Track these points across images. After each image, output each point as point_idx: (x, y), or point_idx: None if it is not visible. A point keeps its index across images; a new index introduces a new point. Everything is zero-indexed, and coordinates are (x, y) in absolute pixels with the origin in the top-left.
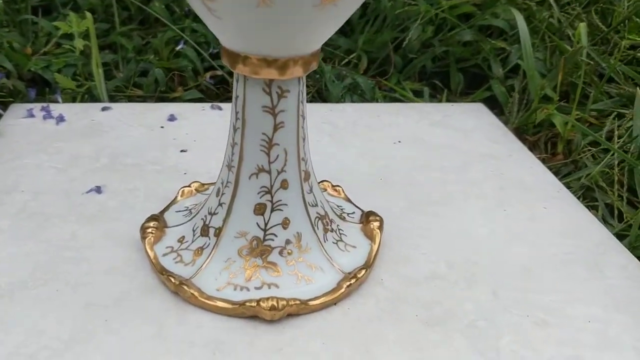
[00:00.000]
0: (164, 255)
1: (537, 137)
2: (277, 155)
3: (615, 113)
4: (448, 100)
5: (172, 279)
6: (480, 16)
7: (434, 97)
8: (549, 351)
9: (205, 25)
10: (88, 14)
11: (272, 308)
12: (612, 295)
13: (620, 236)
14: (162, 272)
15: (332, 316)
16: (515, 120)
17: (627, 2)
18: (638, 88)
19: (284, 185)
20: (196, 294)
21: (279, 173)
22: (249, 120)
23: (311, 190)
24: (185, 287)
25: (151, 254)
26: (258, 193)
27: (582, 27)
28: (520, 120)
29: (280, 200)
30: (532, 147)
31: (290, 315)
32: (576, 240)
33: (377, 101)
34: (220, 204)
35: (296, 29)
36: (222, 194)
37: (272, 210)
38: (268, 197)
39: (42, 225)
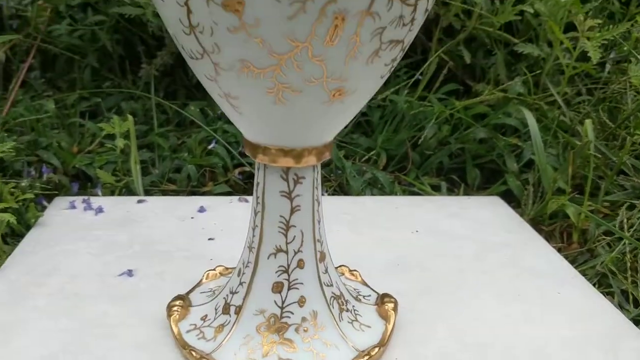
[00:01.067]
0: (188, 332)
1: (552, 227)
2: (294, 237)
3: (627, 204)
4: (465, 195)
5: (194, 353)
6: (494, 115)
7: (452, 192)
8: None
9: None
10: (129, 117)
11: None
12: None
13: (636, 321)
14: (184, 347)
15: None
16: (531, 211)
17: (631, 101)
18: None
19: (300, 264)
20: None
21: (295, 253)
22: (268, 204)
23: (326, 271)
24: None
25: (175, 330)
26: (276, 272)
27: (588, 123)
28: (535, 212)
29: (297, 279)
30: (548, 237)
31: None
32: (590, 324)
33: (396, 194)
34: (240, 283)
35: (309, 122)
36: (243, 273)
37: (289, 288)
38: (285, 276)
39: (77, 304)
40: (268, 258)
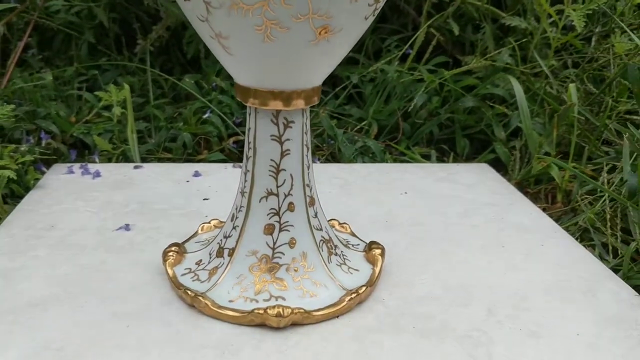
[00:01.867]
0: (183, 275)
1: (537, 189)
2: (284, 180)
3: (610, 165)
4: (455, 163)
5: (189, 292)
6: (482, 86)
7: (442, 161)
8: (541, 358)
9: (224, 67)
10: (125, 85)
11: (278, 315)
12: (604, 314)
13: (615, 270)
14: (179, 287)
15: (334, 327)
16: (518, 176)
17: (613, 68)
18: (625, 137)
19: (291, 207)
20: (209, 304)
21: (286, 196)
22: (259, 149)
23: (316, 215)
24: (200, 298)
25: (170, 273)
26: (267, 214)
27: (572, 87)
28: (522, 175)
29: (288, 222)
30: (534, 199)
31: (295, 325)
32: (571, 270)
33: (387, 162)
34: (234, 227)
35: (297, 62)
36: (236, 217)
37: (280, 230)
38: (276, 218)
39: (76, 253)
40: (260, 201)
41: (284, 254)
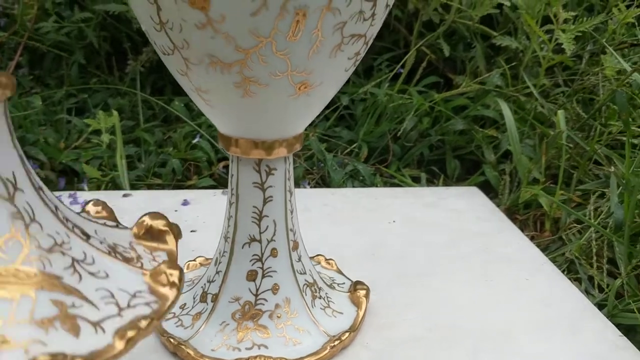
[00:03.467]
0: (167, 320)
1: (526, 216)
2: (267, 226)
3: (598, 193)
4: (445, 185)
5: (172, 340)
6: (473, 107)
7: (432, 183)
8: None
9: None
10: (114, 112)
11: None
12: (587, 356)
13: (601, 306)
14: (162, 334)
15: None
16: (507, 201)
17: (603, 92)
18: (612, 167)
19: (274, 253)
20: (192, 353)
21: (268, 242)
22: (242, 195)
23: (300, 259)
24: (182, 347)
25: None
26: (250, 261)
27: (560, 114)
28: (510, 201)
29: (270, 267)
30: (523, 226)
31: None
32: (556, 308)
33: (376, 186)
34: (217, 272)
35: (277, 115)
36: (219, 262)
37: (263, 276)
38: (259, 264)
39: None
40: (242, 247)
41: (267, 301)
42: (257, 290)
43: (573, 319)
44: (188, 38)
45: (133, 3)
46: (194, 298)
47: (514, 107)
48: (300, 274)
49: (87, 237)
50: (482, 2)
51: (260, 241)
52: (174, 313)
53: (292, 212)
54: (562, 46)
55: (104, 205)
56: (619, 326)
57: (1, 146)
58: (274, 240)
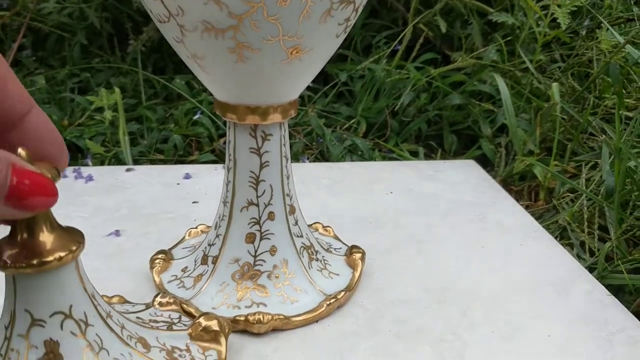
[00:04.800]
0: (169, 282)
1: (521, 187)
2: (264, 190)
3: (592, 163)
4: (442, 159)
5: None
6: (470, 82)
7: (430, 157)
8: None
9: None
10: (116, 89)
11: (258, 321)
12: (576, 315)
13: (591, 269)
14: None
15: (313, 332)
16: (502, 173)
17: (597, 65)
18: (604, 136)
19: (271, 217)
20: (193, 311)
21: (266, 206)
22: (239, 161)
23: (296, 223)
24: (184, 306)
25: (157, 280)
26: (248, 224)
27: (555, 86)
28: (506, 173)
29: (268, 230)
30: (518, 197)
31: (275, 330)
32: (547, 270)
33: (375, 160)
34: (217, 235)
35: (270, 80)
36: (219, 226)
37: (261, 239)
38: (257, 227)
39: None
40: (241, 211)
41: (265, 262)
42: (255, 251)
43: (564, 281)
44: (182, 5)
45: None
46: (195, 261)
47: (510, 82)
48: (297, 236)
49: (147, 349)
50: None
51: (257, 205)
52: (176, 275)
53: (288, 178)
54: (558, 21)
55: (173, 298)
56: (608, 287)
57: (75, 295)
58: (271, 204)
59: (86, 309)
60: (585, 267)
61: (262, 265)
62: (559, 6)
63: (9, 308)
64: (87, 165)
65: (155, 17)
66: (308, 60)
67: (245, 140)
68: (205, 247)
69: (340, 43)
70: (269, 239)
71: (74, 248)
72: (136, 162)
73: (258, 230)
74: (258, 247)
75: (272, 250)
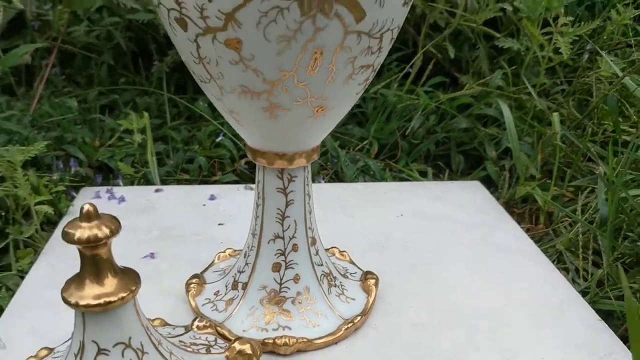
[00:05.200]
0: (203, 304)
1: (523, 209)
2: (289, 225)
3: (589, 189)
4: (450, 179)
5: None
6: (476, 106)
7: (438, 177)
8: None
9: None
10: (145, 114)
11: (285, 344)
12: (569, 339)
13: (585, 293)
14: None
15: (332, 353)
16: (506, 195)
17: (597, 93)
18: (600, 167)
19: (295, 248)
20: (226, 333)
21: (290, 239)
22: (267, 199)
23: (317, 253)
24: (219, 329)
25: (193, 304)
26: (275, 254)
27: (555, 116)
28: (509, 196)
29: (292, 260)
30: (519, 219)
31: (299, 351)
32: (544, 294)
33: (386, 181)
34: (246, 264)
35: (298, 132)
36: (248, 255)
37: (286, 268)
38: (282, 257)
39: None
40: (268, 243)
41: (289, 289)
42: (281, 279)
43: (558, 305)
44: (223, 71)
45: (175, 39)
46: (226, 286)
47: (515, 105)
48: (318, 265)
49: None
50: (485, 9)
51: (283, 238)
52: (209, 299)
53: (310, 213)
54: (560, 51)
55: (209, 322)
56: (598, 311)
57: (133, 328)
58: (295, 237)
59: (142, 339)
60: (579, 291)
61: (286, 292)
62: (561, 34)
63: (78, 338)
64: (118, 185)
65: (198, 78)
66: (331, 115)
67: (273, 181)
68: (235, 274)
69: (359, 97)
70: (293, 268)
71: (133, 288)
72: (163, 181)
73: (283, 260)
74: (283, 275)
75: (296, 278)
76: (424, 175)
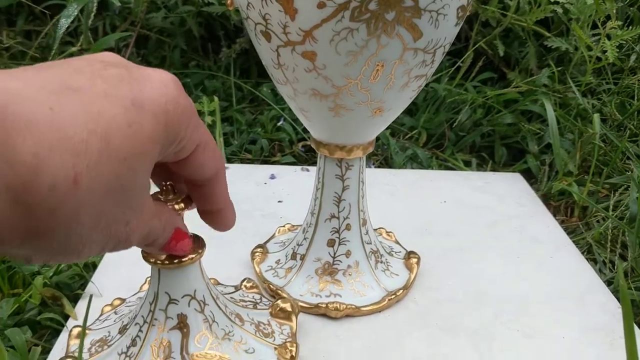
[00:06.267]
0: (266, 271)
1: (559, 203)
2: (344, 207)
3: (624, 186)
4: (492, 170)
5: (271, 286)
6: (522, 102)
7: (481, 167)
8: (529, 355)
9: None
10: (215, 99)
11: (336, 309)
12: (589, 322)
13: (609, 282)
14: (264, 282)
15: (377, 319)
16: (544, 188)
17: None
18: (633, 172)
19: (348, 227)
20: (286, 296)
21: (344, 219)
22: (326, 184)
23: (367, 232)
24: (279, 292)
25: (257, 269)
26: (330, 232)
27: (596, 116)
28: (547, 189)
29: (345, 238)
30: (555, 211)
31: (348, 316)
32: (571, 282)
33: (432, 169)
34: (304, 238)
35: (357, 129)
36: (306, 231)
37: (339, 244)
38: (337, 235)
39: None
40: (325, 222)
41: (341, 262)
42: (334, 254)
43: (584, 292)
44: (298, 76)
45: (258, 47)
46: (286, 256)
47: (560, 102)
48: (367, 243)
49: (242, 322)
50: (536, 10)
51: (338, 218)
52: (271, 266)
53: (363, 197)
54: (607, 54)
55: (254, 283)
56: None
57: (198, 283)
58: (349, 218)
59: (204, 293)
60: (604, 281)
61: (339, 264)
62: (608, 37)
63: (153, 290)
64: None
65: (275, 80)
66: (387, 115)
67: (332, 169)
68: (295, 246)
69: (411, 100)
70: (345, 244)
71: (200, 251)
72: (229, 160)
73: (337, 237)
74: (337, 250)
75: (347, 254)
76: (468, 165)
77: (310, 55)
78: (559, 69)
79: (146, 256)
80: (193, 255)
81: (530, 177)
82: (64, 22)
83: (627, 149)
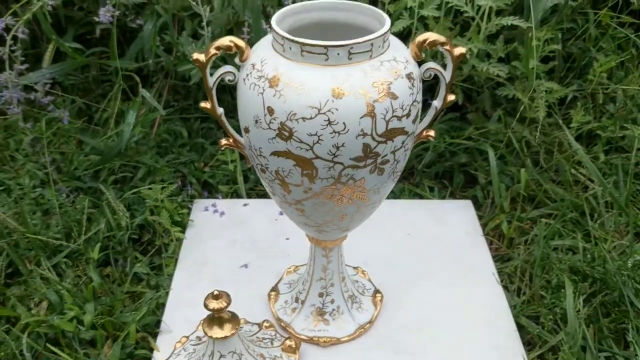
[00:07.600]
0: (278, 309)
1: (495, 232)
2: (329, 273)
3: (544, 222)
4: (451, 194)
5: (282, 323)
6: (476, 143)
7: (442, 192)
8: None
9: None
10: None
11: (324, 341)
12: (489, 341)
13: (514, 307)
14: (277, 319)
15: (351, 346)
16: (486, 218)
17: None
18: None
19: (332, 285)
20: (292, 331)
21: (329, 279)
22: (316, 260)
23: (345, 284)
24: (288, 328)
25: (273, 310)
26: (320, 287)
27: (523, 173)
28: (486, 220)
29: (330, 291)
30: (492, 239)
31: (333, 344)
32: (485, 307)
33: (404, 197)
34: (304, 289)
35: (333, 238)
36: (305, 283)
37: (326, 295)
38: (324, 289)
39: (220, 286)
40: (316, 281)
41: (328, 307)
42: (323, 302)
43: (492, 315)
44: (287, 213)
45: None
46: (291, 298)
47: (506, 141)
48: (345, 292)
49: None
50: (489, 68)
51: (325, 279)
52: (282, 306)
53: (342, 264)
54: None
55: (270, 323)
56: (518, 325)
57: (237, 345)
58: (332, 279)
59: (241, 349)
60: (511, 306)
61: (327, 308)
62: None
63: (210, 348)
64: (217, 198)
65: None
66: (354, 227)
67: (319, 251)
68: (298, 292)
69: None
70: (330, 295)
71: (237, 327)
72: (249, 195)
73: (325, 291)
74: (325, 300)
75: (332, 301)
76: (432, 190)
77: (300, 210)
78: (509, 109)
79: (206, 332)
80: (234, 331)
81: (479, 203)
82: None
83: (544, 189)
